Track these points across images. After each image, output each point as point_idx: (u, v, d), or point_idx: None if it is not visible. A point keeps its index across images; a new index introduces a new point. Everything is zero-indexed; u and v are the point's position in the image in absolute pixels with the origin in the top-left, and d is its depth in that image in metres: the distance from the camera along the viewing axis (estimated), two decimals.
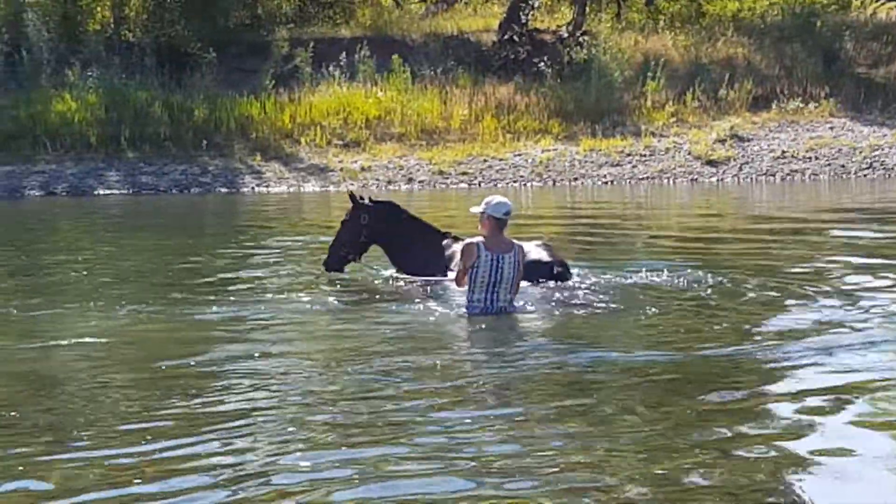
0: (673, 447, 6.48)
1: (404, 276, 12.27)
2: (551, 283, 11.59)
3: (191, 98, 31.81)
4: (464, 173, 29.53)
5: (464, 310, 10.52)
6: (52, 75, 32.28)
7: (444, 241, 12.38)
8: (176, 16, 35.23)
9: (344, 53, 33.23)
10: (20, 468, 6.32)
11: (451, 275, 11.37)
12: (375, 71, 33.03)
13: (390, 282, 12.30)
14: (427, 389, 7.93)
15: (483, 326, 10.20)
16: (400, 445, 6.62)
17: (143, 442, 6.73)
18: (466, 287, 10.48)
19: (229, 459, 6.40)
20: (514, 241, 10.70)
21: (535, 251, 11.55)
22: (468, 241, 10.51)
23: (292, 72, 33.14)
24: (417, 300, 11.41)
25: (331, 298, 11.72)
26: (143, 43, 34.25)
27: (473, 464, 6.27)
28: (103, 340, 9.78)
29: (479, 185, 28.62)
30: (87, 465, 6.38)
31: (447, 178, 29.26)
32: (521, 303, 10.94)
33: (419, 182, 29.06)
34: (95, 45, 33.50)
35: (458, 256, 11.82)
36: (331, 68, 32.76)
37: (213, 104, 31.60)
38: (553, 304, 11.02)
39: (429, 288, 11.82)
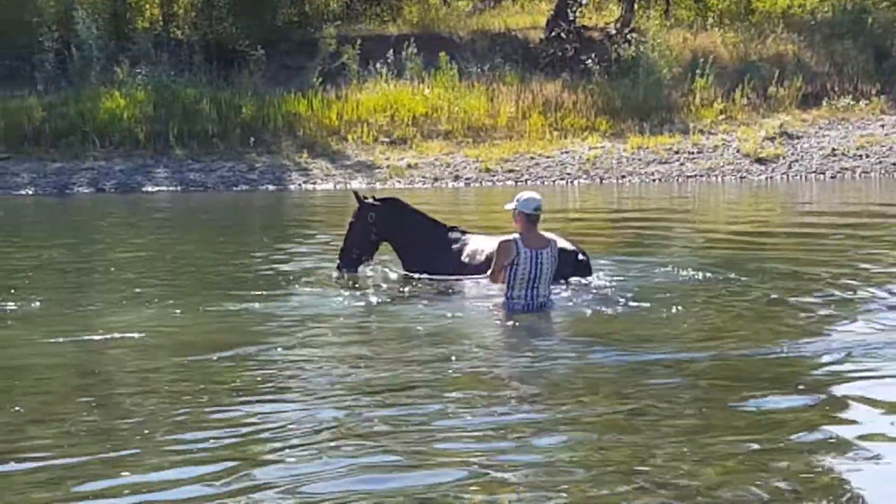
0: (719, 450, 6.42)
1: (437, 276, 12.15)
2: (591, 280, 11.59)
3: (238, 95, 31.91)
4: (510, 170, 29.45)
5: (503, 306, 10.50)
6: (101, 73, 32.49)
7: (452, 235, 12.41)
8: (224, 13, 35.38)
9: (391, 51, 33.23)
10: (74, 459, 6.36)
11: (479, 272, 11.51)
12: (422, 68, 33.01)
13: (426, 280, 12.23)
14: (472, 386, 7.91)
15: (525, 324, 10.16)
16: (436, 443, 6.59)
17: (188, 432, 6.75)
18: (505, 284, 10.45)
19: (267, 450, 6.41)
20: (550, 235, 10.66)
21: (558, 240, 11.52)
22: (504, 238, 10.46)
23: (340, 69, 33.18)
24: (457, 297, 11.40)
25: (372, 295, 11.73)
26: (192, 40, 34.46)
27: (514, 460, 6.24)
28: (149, 334, 9.84)
29: (526, 182, 28.51)
30: (135, 454, 6.41)
31: (494, 176, 29.19)
32: (566, 299, 10.90)
33: (466, 179, 29.00)
34: (144, 43, 33.70)
35: (470, 248, 12.05)
36: (378, 65, 32.77)
37: (260, 101, 31.69)
38: (596, 300, 10.97)
39: (465, 284, 11.79)
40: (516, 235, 10.38)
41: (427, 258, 12.29)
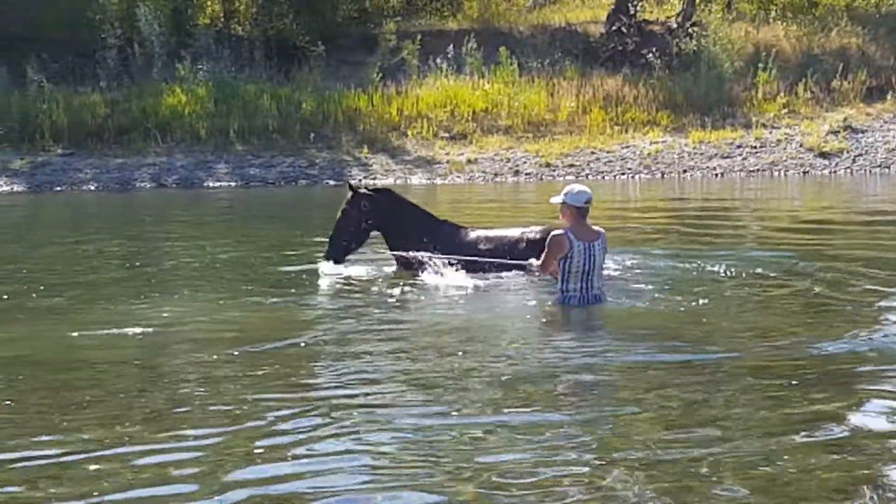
0: (785, 448, 6.33)
1: (483, 259, 12.09)
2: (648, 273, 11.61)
3: (299, 91, 32.02)
4: (571, 165, 29.34)
5: (558, 300, 10.45)
6: (163, 69, 32.72)
7: (444, 228, 12.53)
8: (285, 9, 35.49)
9: (451, 46, 33.21)
10: (134, 449, 6.38)
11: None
12: (482, 63, 32.96)
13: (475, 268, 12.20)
14: (529, 382, 7.86)
15: (581, 318, 10.12)
16: (496, 436, 6.56)
17: (245, 422, 6.76)
18: (558, 277, 10.40)
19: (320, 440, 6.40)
20: (599, 228, 10.60)
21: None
22: (556, 232, 10.38)
23: (399, 64, 33.21)
24: (504, 290, 11.36)
25: (422, 288, 11.76)
26: (253, 36, 34.63)
27: (578, 454, 6.19)
28: (207, 326, 9.90)
29: (587, 177, 28.40)
30: (197, 445, 6.42)
31: (554, 171, 29.09)
32: (624, 292, 10.84)
33: (526, 174, 28.93)
34: (206, 39, 33.90)
35: (467, 239, 12.24)
36: (438, 61, 32.77)
37: (320, 97, 31.77)
38: (653, 295, 10.89)
39: (516, 275, 11.78)
40: (566, 229, 10.32)
41: (417, 250, 12.29)
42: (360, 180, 28.76)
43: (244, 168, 29.51)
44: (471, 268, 11.94)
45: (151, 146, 30.45)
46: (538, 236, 11.78)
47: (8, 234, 19.55)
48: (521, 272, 11.50)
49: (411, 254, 12.16)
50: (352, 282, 12.25)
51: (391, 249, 12.77)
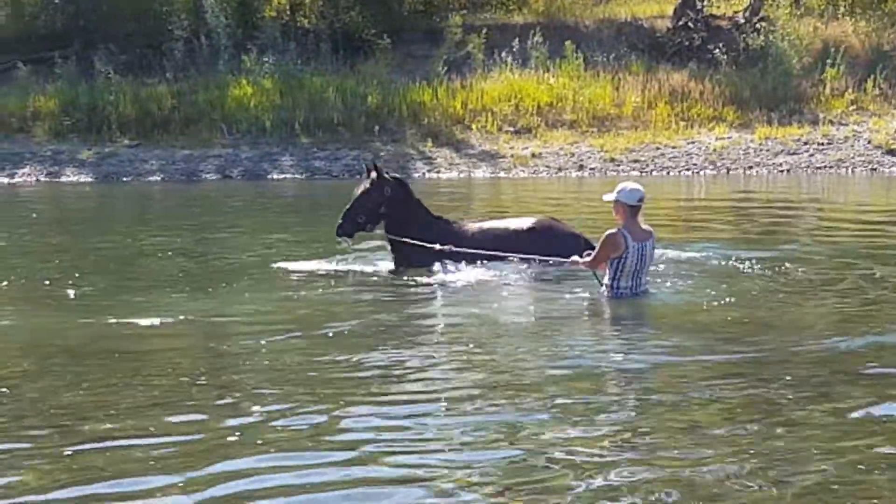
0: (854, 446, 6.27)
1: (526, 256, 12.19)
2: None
3: (364, 84, 32.07)
4: (635, 160, 29.18)
5: (608, 297, 10.44)
6: (229, 61, 32.89)
7: (440, 224, 12.61)
8: (351, 2, 35.57)
9: (517, 39, 33.14)
10: (209, 433, 6.42)
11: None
12: (548, 57, 32.86)
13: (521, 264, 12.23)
14: (588, 382, 7.85)
15: (638, 315, 10.13)
16: (566, 430, 6.53)
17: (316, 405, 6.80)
18: (607, 276, 10.39)
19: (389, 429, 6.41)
20: (648, 226, 10.56)
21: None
22: (611, 231, 10.36)
23: (465, 58, 33.18)
24: (553, 285, 11.36)
25: (482, 280, 11.79)
26: (319, 29, 34.71)
27: (644, 448, 6.16)
28: (271, 316, 9.98)
29: (651, 172, 28.25)
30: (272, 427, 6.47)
31: (618, 166, 28.95)
32: (687, 288, 10.80)
33: (590, 169, 28.80)
34: (272, 32, 34.02)
35: (461, 233, 12.31)
36: (503, 54, 32.71)
37: (385, 90, 31.80)
38: (714, 291, 10.85)
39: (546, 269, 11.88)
40: (622, 228, 10.31)
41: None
42: (423, 174, 28.78)
43: (309, 160, 29.60)
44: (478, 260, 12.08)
45: (217, 138, 30.64)
46: (528, 227, 12.21)
47: (70, 223, 19.74)
48: (553, 266, 11.61)
49: (438, 246, 12.20)
50: (397, 274, 12.29)
51: (389, 241, 12.82)
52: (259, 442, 6.45)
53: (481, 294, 11.24)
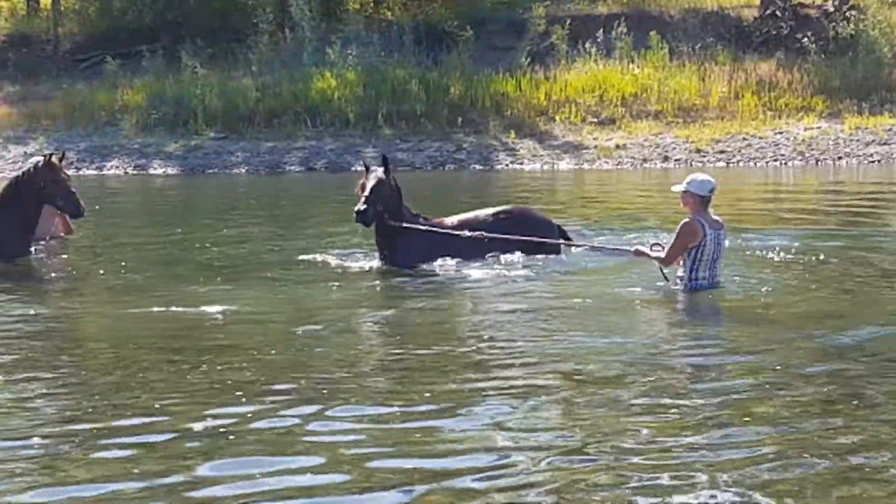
0: None
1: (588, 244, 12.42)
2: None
3: (447, 75, 32.03)
4: (721, 151, 28.84)
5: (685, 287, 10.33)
6: (313, 54, 33.01)
7: (422, 220, 12.50)
8: None
9: (601, 30, 32.93)
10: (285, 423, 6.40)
11: None
12: (632, 48, 32.61)
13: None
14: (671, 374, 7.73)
15: (723, 307, 10.03)
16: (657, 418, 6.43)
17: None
18: (683, 266, 10.24)
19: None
20: (719, 217, 10.42)
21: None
22: (686, 220, 10.21)
23: (548, 49, 33.04)
24: (625, 276, 11.24)
25: (555, 272, 11.75)
26: (402, 21, 34.73)
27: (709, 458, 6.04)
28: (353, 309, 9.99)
29: (738, 163, 27.92)
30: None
31: (704, 157, 28.63)
32: (777, 282, 10.63)
33: (675, 160, 28.52)
34: (356, 24, 34.11)
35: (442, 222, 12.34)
36: (587, 45, 32.52)
37: (468, 81, 31.75)
38: (805, 282, 10.68)
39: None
40: (698, 217, 10.17)
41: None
42: (506, 165, 28.68)
43: (392, 152, 29.53)
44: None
45: (301, 130, 30.77)
46: (503, 216, 12.42)
47: (156, 215, 19.92)
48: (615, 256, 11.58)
49: (467, 233, 12.20)
50: (464, 265, 12.23)
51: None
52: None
53: (557, 285, 11.13)
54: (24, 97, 34.26)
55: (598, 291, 10.52)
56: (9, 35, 38.61)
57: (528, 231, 12.23)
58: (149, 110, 31.68)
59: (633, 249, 10.89)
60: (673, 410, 6.65)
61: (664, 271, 10.45)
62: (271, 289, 11.08)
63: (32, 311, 10.24)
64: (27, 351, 8.71)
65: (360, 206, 12.11)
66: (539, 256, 12.17)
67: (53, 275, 12.93)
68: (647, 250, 10.59)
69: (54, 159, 13.12)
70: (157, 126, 31.30)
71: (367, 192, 12.23)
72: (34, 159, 13.67)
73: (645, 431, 6.24)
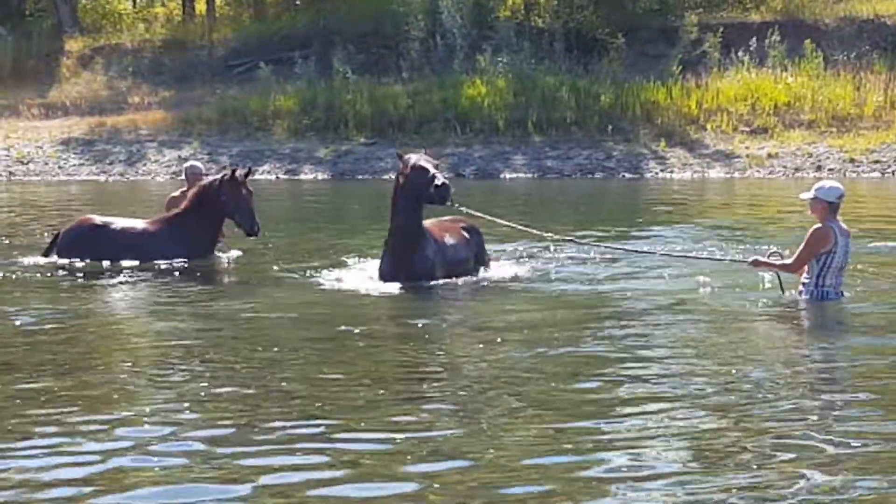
0: None
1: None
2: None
3: (597, 83, 31.94)
4: (876, 161, 28.29)
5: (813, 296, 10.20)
6: (463, 61, 33.20)
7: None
8: (585, 1, 35.51)
9: (754, 38, 32.55)
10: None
11: None
12: (786, 56, 32.16)
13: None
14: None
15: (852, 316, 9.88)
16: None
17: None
18: (808, 273, 10.11)
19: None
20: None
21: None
22: (818, 225, 10.11)
23: (700, 57, 32.77)
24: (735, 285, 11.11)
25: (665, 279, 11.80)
26: (553, 28, 34.74)
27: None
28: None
29: (893, 174, 27.36)
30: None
31: (858, 167, 28.13)
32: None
33: (828, 170, 28.04)
34: (506, 31, 34.19)
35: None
36: (739, 53, 32.17)
37: (619, 89, 31.61)
38: None
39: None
40: (830, 223, 10.06)
41: None
42: (656, 174, 28.51)
43: (541, 160, 29.66)
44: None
45: (451, 136, 30.94)
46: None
47: (306, 219, 20.23)
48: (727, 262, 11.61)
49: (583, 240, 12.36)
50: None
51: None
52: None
53: (687, 296, 11.05)
54: (178, 102, 35.01)
55: (723, 303, 10.41)
56: (164, 41, 39.49)
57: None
58: (300, 116, 32.17)
59: (749, 260, 10.72)
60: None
61: (781, 281, 10.36)
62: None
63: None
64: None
65: (445, 179, 11.67)
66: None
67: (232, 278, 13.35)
68: (766, 259, 10.48)
69: (238, 174, 13.19)
70: (309, 131, 31.76)
71: (444, 175, 11.83)
72: (220, 173, 13.80)
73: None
